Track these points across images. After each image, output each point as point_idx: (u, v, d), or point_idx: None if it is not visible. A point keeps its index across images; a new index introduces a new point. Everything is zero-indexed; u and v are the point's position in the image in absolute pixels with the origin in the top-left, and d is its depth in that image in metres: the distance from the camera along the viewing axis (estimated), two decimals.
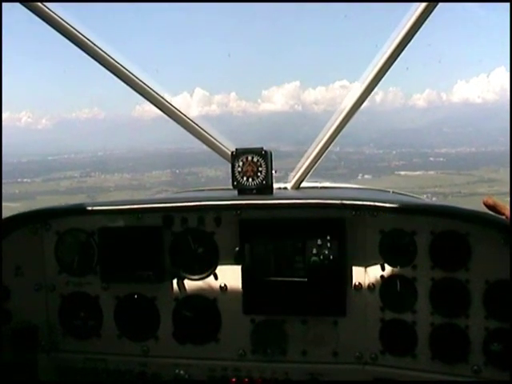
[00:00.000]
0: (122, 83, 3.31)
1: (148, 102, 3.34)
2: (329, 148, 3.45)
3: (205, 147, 3.50)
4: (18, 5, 3.03)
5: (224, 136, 3.48)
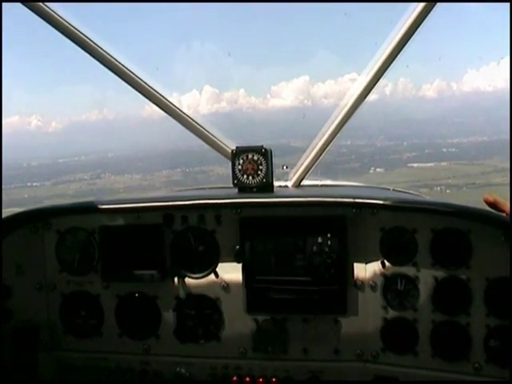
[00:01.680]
0: (124, 83, 3.33)
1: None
2: (329, 146, 3.44)
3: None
4: (19, 5, 3.04)
5: (226, 134, 3.49)
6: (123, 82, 3.30)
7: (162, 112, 3.39)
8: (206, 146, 3.50)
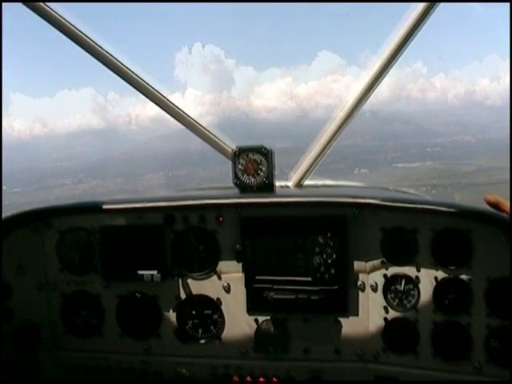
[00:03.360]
0: (122, 84, 3.31)
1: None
2: (330, 146, 3.45)
3: (203, 146, 3.51)
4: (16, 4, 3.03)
5: (224, 134, 3.44)
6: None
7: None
8: (199, 147, 3.50)
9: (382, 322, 2.73)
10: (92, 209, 2.96)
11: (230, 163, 3.11)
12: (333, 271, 2.70)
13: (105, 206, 2.91)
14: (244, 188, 3.08)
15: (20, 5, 3.03)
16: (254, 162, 3.06)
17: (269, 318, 2.85)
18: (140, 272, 2.89)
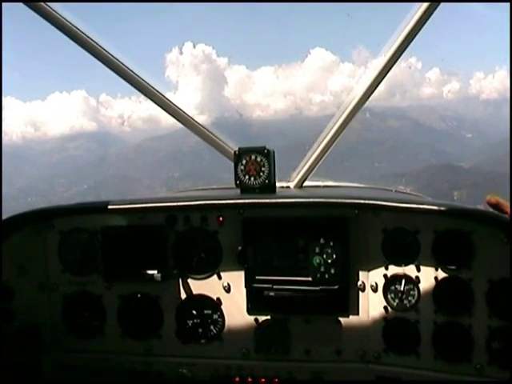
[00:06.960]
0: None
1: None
2: (332, 147, 3.45)
3: (198, 147, 3.50)
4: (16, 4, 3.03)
5: (226, 135, 3.44)
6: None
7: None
8: (204, 147, 3.49)
9: (383, 323, 2.74)
10: (94, 209, 2.97)
11: (227, 164, 3.12)
12: (333, 271, 2.70)
13: (107, 207, 2.91)
14: (245, 189, 3.10)
15: (19, 5, 3.03)
16: (255, 163, 3.08)
17: (270, 318, 2.86)
18: (142, 273, 2.89)
